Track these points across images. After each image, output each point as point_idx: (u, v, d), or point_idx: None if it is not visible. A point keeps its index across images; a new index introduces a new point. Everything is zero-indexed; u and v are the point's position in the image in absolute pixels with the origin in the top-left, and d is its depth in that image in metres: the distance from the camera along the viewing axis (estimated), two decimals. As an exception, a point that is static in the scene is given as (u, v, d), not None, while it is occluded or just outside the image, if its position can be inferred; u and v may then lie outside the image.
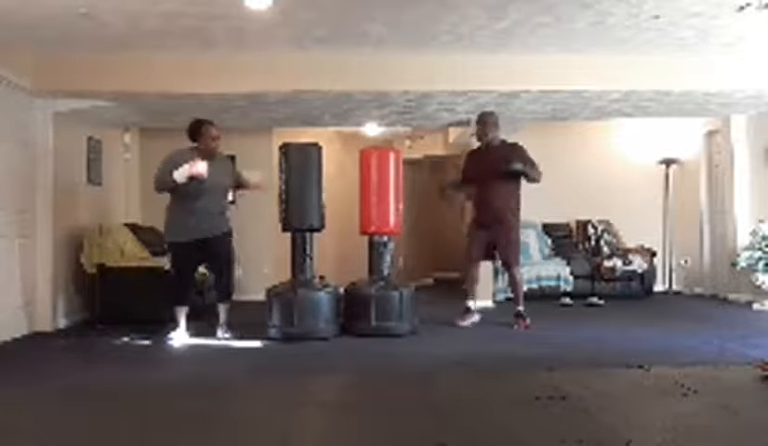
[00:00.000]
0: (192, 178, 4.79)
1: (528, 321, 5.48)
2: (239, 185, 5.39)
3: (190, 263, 5.14)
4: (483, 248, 5.61)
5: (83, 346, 5.13)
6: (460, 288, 8.70)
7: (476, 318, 5.70)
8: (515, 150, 5.54)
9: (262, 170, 5.56)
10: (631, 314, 6.39)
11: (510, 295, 7.33)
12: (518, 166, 5.33)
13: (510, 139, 8.12)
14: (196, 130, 5.05)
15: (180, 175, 4.78)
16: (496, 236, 5.51)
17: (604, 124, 8.23)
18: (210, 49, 5.38)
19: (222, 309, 5.19)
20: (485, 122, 5.63)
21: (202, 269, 6.06)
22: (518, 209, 5.56)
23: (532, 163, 5.45)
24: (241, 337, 5.06)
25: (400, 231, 5.68)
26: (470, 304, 5.70)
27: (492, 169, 5.42)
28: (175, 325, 5.08)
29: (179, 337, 5.03)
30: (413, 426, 2.84)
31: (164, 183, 4.88)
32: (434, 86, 5.85)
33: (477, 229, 5.60)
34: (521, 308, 5.58)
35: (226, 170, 5.20)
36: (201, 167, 4.78)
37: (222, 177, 5.10)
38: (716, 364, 3.96)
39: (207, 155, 4.98)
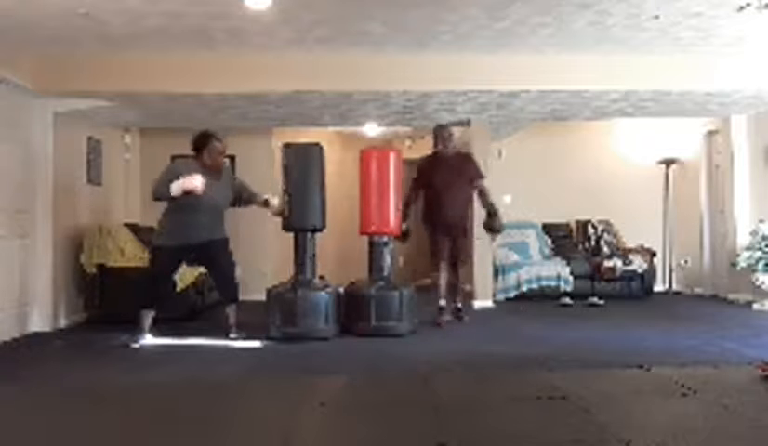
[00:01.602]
0: (187, 192, 4.66)
1: (446, 319, 5.72)
2: (250, 202, 5.22)
3: (171, 269, 5.09)
4: (447, 250, 5.79)
5: (83, 346, 5.13)
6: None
7: (448, 315, 5.88)
8: (470, 161, 5.90)
9: (279, 197, 5.24)
10: (631, 314, 6.39)
11: (510, 295, 7.40)
12: (496, 226, 5.80)
13: (511, 139, 8.24)
14: (202, 143, 4.94)
15: (176, 188, 4.64)
16: (455, 237, 5.78)
17: (604, 124, 8.24)
18: (210, 49, 5.38)
19: (231, 312, 5.11)
20: (444, 136, 5.81)
21: (201, 269, 6.07)
22: (472, 213, 6.11)
23: (481, 175, 5.87)
24: (242, 337, 5.06)
25: (400, 231, 5.68)
26: (443, 302, 5.80)
27: (452, 176, 5.69)
28: (141, 328, 4.94)
29: (145, 340, 4.94)
30: (413, 426, 2.84)
31: (160, 193, 4.74)
32: (434, 86, 5.85)
33: (440, 233, 5.75)
34: (460, 305, 5.95)
35: (228, 187, 5.06)
36: (197, 182, 4.64)
37: (223, 196, 4.98)
38: (716, 364, 3.96)
39: (213, 170, 4.90)
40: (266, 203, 5.18)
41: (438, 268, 5.79)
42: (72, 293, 6.19)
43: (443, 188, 5.66)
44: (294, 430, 2.86)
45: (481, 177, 5.83)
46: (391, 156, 5.55)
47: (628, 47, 5.50)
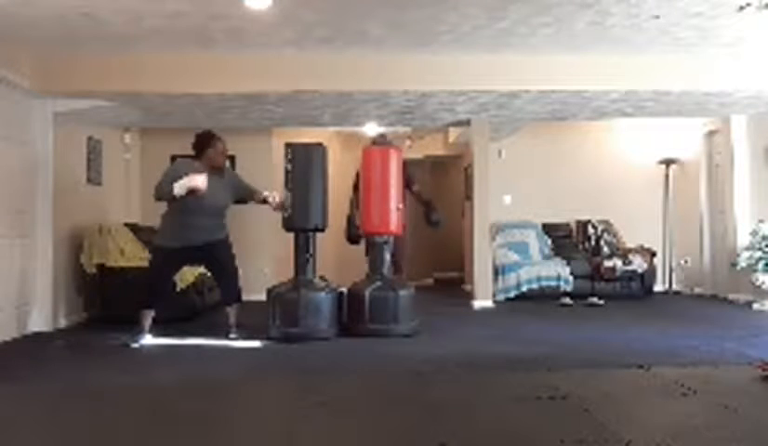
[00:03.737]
0: (190, 192, 4.64)
1: None
2: (250, 200, 5.21)
3: (171, 270, 5.08)
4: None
5: (83, 346, 5.13)
6: (460, 288, 8.76)
7: None
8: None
9: (281, 194, 5.21)
10: (631, 314, 6.39)
11: (510, 295, 7.42)
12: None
13: (511, 139, 8.26)
14: (204, 144, 4.92)
15: (179, 187, 4.62)
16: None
17: (604, 124, 8.25)
18: (210, 49, 5.38)
19: (231, 312, 5.11)
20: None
21: (201, 269, 6.07)
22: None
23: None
24: (242, 337, 5.06)
25: (400, 231, 5.67)
26: None
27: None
28: (141, 328, 4.94)
29: (145, 340, 4.93)
30: (413, 426, 2.84)
31: (163, 193, 4.72)
32: (434, 86, 5.85)
33: None
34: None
35: (229, 186, 5.04)
36: (200, 181, 4.62)
37: (225, 196, 4.97)
38: (716, 364, 3.96)
39: (215, 169, 4.89)
40: (265, 201, 5.18)
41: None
42: (72, 293, 6.19)
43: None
44: (294, 430, 2.86)
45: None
46: (393, 155, 5.47)
47: (628, 47, 5.50)
